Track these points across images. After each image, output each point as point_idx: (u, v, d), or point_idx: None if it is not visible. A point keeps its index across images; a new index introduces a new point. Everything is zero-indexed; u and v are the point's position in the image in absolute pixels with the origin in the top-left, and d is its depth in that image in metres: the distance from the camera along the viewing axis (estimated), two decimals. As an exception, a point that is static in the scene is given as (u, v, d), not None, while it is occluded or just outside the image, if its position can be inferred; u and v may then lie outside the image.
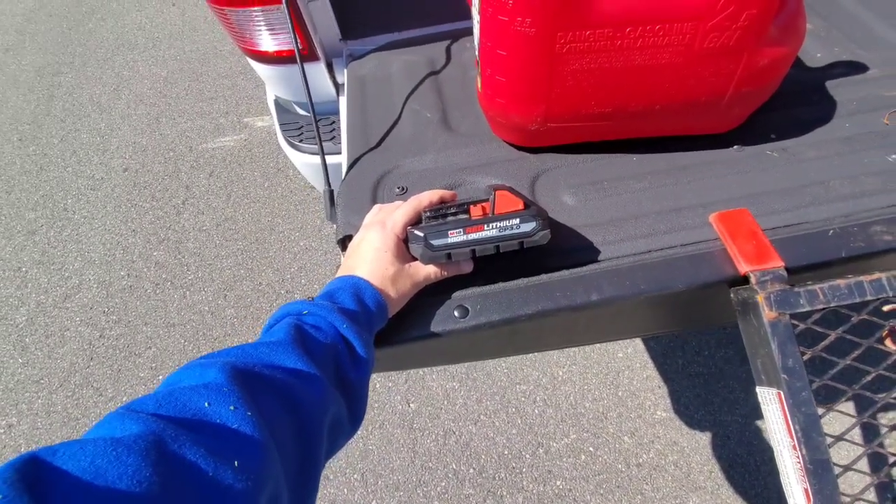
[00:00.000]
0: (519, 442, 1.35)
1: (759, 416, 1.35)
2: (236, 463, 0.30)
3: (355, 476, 1.33)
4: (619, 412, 1.38)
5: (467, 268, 0.57)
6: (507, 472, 1.31)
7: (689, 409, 1.37)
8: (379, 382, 1.48)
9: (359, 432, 1.39)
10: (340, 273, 0.52)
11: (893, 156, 0.66)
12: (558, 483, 1.28)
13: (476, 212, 0.54)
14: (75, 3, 3.10)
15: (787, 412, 0.50)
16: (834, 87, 0.77)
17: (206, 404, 0.32)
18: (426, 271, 0.54)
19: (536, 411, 1.40)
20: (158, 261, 1.81)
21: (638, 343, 1.50)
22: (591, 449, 1.33)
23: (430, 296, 0.57)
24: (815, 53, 0.83)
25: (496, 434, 1.37)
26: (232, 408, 0.32)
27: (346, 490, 1.31)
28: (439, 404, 1.43)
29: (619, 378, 1.44)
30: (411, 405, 1.43)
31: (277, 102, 1.12)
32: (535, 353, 1.50)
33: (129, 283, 1.76)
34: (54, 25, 2.94)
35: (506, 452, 1.34)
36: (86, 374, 1.56)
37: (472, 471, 1.31)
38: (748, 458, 1.29)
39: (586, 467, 1.30)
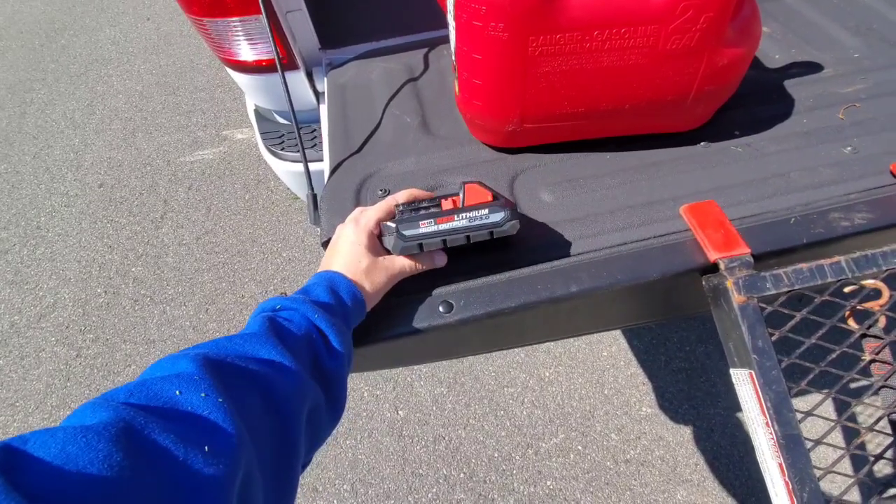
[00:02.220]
0: (508, 444, 1.36)
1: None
2: (206, 448, 0.30)
3: (345, 487, 1.31)
4: (605, 410, 1.40)
5: (441, 261, 0.58)
6: (497, 475, 1.31)
7: (674, 404, 1.40)
8: (367, 391, 1.47)
9: (347, 441, 1.38)
10: (318, 270, 0.54)
11: (848, 148, 0.71)
12: (548, 483, 1.29)
13: (447, 205, 0.56)
14: (46, 19, 3.05)
15: (759, 391, 0.53)
16: (792, 85, 0.81)
17: (177, 392, 0.33)
18: (401, 263, 0.55)
19: (524, 413, 1.41)
20: (137, 276, 1.78)
21: (622, 341, 1.53)
22: (579, 448, 1.34)
23: (415, 293, 0.58)
24: (773, 55, 0.88)
25: (485, 437, 1.37)
26: (203, 395, 0.33)
27: (336, 501, 1.29)
28: (428, 410, 1.43)
29: (605, 377, 1.46)
30: (400, 412, 1.43)
31: (257, 112, 1.13)
32: (522, 356, 1.51)
33: (107, 300, 1.73)
34: (25, 42, 2.90)
35: (496, 455, 1.34)
36: (63, 395, 1.52)
37: (462, 475, 1.31)
38: (731, 450, 1.32)
39: (575, 466, 1.31)
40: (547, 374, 1.47)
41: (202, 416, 0.32)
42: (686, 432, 1.36)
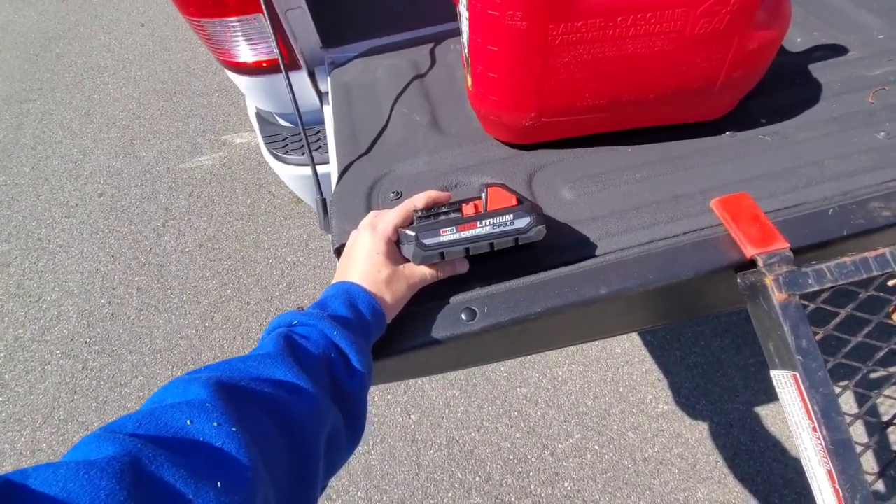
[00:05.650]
0: (523, 446, 1.33)
1: (759, 402, 1.35)
2: (219, 483, 0.28)
3: (359, 494, 1.29)
4: (621, 408, 1.37)
5: (462, 268, 0.56)
6: (513, 478, 1.28)
7: (690, 400, 1.37)
8: (378, 395, 1.45)
9: (360, 448, 1.35)
10: (334, 280, 0.50)
11: (882, 133, 0.67)
12: (566, 484, 1.27)
13: (468, 210, 0.53)
14: (40, 29, 3.02)
15: (805, 394, 0.50)
16: (817, 69, 0.78)
17: (188, 422, 0.31)
18: (421, 272, 0.52)
19: (539, 413, 1.38)
20: (140, 286, 1.75)
21: (635, 338, 1.50)
22: (596, 447, 1.32)
23: (434, 300, 0.55)
24: (795, 38, 0.84)
25: (500, 440, 1.34)
26: (215, 424, 0.31)
27: (350, 509, 1.27)
28: (440, 413, 1.40)
29: (619, 374, 1.43)
30: (412, 416, 1.40)
31: (259, 115, 1.10)
32: (534, 355, 1.48)
33: (111, 311, 1.70)
34: (20, 52, 2.87)
35: (511, 457, 1.31)
36: (70, 409, 1.50)
37: (478, 479, 1.29)
38: (752, 445, 1.29)
39: (593, 466, 1.29)
40: (560, 373, 1.45)
41: (215, 447, 0.30)
42: (704, 429, 1.33)
